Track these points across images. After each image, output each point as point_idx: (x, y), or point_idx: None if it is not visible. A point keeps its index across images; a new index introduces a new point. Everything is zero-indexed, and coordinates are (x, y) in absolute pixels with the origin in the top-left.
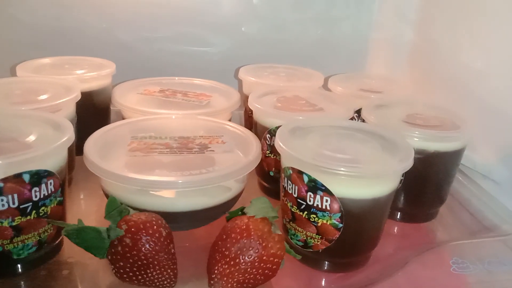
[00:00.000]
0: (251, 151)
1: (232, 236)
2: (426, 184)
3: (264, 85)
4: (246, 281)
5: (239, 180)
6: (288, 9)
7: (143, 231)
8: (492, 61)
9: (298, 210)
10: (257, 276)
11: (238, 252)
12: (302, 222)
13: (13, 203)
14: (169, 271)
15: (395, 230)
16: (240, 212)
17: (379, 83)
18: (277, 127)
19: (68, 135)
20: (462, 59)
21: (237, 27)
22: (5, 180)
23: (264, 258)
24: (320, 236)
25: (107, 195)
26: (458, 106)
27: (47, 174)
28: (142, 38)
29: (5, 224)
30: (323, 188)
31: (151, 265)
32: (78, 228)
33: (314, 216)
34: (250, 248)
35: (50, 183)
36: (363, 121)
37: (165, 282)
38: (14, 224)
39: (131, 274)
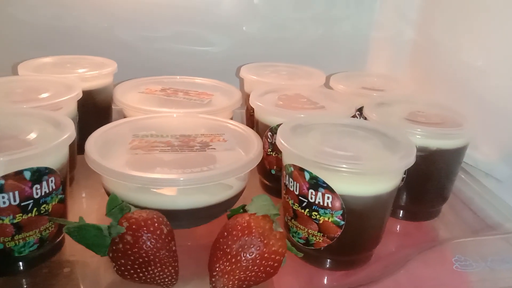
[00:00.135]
0: (252, 149)
1: (234, 233)
2: (428, 182)
3: (265, 84)
4: (248, 278)
5: (240, 178)
6: (289, 8)
7: (144, 229)
8: (493, 59)
9: (299, 208)
10: (259, 274)
11: (240, 249)
12: (303, 219)
13: (14, 201)
14: (170, 268)
15: (397, 229)
16: (241, 210)
17: (381, 81)
18: (279, 125)
19: (69, 133)
20: (462, 58)
21: (238, 26)
22: (6, 177)
23: (266, 255)
24: (321, 234)
25: (108, 193)
26: (459, 104)
27: (48, 171)
28: (143, 37)
29: (6, 221)
30: (325, 185)
31: (152, 263)
32: (79, 225)
33: (316, 213)
34: (252, 246)
35: (51, 180)
36: (365, 119)
37: (166, 280)
38: (15, 221)
39: (132, 271)
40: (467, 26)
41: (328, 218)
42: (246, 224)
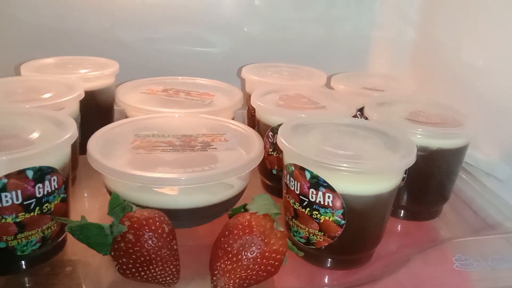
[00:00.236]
0: (253, 148)
1: (235, 232)
2: (429, 182)
3: (266, 84)
4: (249, 277)
5: (242, 178)
6: (290, 9)
7: (146, 227)
8: (494, 59)
9: (300, 207)
10: (260, 273)
11: (241, 248)
12: (304, 219)
13: (17, 199)
14: (171, 267)
15: (398, 228)
16: (242, 209)
17: (382, 81)
18: (280, 125)
19: (71, 132)
20: (463, 57)
21: (239, 27)
22: (8, 176)
23: (267, 254)
24: (322, 233)
25: (110, 193)
26: (460, 104)
27: (51, 170)
28: (145, 38)
29: (9, 220)
30: (325, 184)
31: (153, 261)
32: (81, 224)
33: (317, 212)
34: (253, 244)
35: (54, 179)
36: (366, 119)
37: (168, 278)
38: (17, 220)
39: (134, 270)
40: (468, 26)
41: (329, 217)
42: (247, 223)
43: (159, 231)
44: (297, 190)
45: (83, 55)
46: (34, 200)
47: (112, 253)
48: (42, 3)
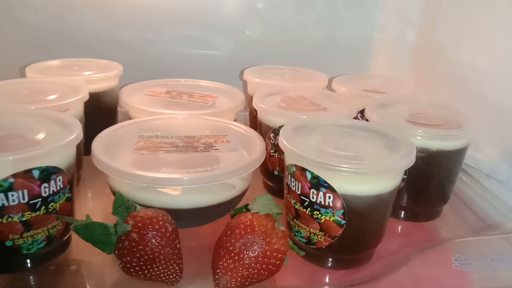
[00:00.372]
0: (255, 150)
1: (237, 231)
2: (429, 183)
3: (268, 86)
4: (250, 276)
5: (244, 178)
6: (291, 11)
7: (150, 227)
8: (495, 60)
9: (301, 207)
10: (261, 271)
11: (243, 247)
12: (305, 219)
13: (23, 199)
14: (174, 265)
15: (399, 229)
16: (244, 209)
17: (382, 83)
18: (281, 127)
19: (77, 133)
20: (464, 59)
21: (241, 29)
22: (15, 176)
23: (268, 253)
24: (323, 233)
25: (114, 193)
26: (461, 105)
27: (56, 170)
28: (148, 40)
29: (15, 219)
30: (326, 184)
31: (157, 260)
32: (86, 223)
33: (317, 212)
34: (254, 244)
35: (59, 179)
36: (367, 121)
37: (171, 277)
38: (24, 219)
39: (137, 268)
40: (469, 27)
41: (330, 217)
42: (249, 222)
43: (163, 230)
44: (298, 191)
45: (87, 57)
46: (40, 199)
47: (116, 252)
48: (44, 5)
